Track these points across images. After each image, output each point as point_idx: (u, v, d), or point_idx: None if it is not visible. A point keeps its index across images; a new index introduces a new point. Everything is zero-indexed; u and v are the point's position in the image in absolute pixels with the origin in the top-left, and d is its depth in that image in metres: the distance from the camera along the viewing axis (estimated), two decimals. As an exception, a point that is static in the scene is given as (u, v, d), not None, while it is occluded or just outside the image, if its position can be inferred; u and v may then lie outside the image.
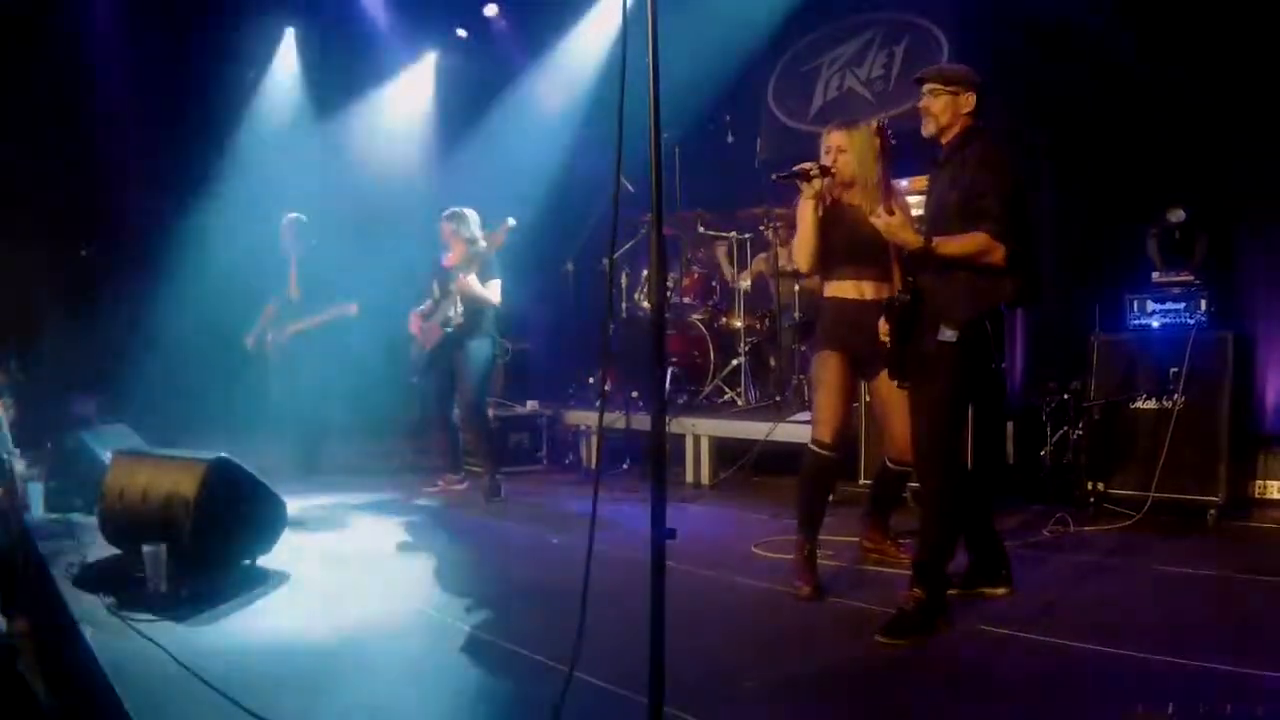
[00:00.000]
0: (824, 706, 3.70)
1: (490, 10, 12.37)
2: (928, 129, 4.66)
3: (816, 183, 5.11)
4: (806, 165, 5.15)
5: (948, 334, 4.39)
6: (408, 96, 13.08)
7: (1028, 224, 4.50)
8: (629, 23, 3.03)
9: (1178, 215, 6.77)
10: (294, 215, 9.31)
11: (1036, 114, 8.43)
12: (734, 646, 4.34)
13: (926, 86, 4.61)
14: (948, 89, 4.57)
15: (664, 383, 2.84)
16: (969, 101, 4.58)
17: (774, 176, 5.43)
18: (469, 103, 12.62)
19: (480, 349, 8.04)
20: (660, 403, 2.95)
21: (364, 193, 11.85)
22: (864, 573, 5.42)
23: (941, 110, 4.59)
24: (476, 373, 8.05)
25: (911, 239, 4.38)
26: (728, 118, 10.14)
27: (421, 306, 8.35)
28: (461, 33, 12.87)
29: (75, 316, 10.81)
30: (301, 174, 11.49)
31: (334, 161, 12.13)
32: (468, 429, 8.28)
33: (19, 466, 7.25)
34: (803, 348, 8.83)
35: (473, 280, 7.89)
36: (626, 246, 9.69)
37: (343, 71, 12.46)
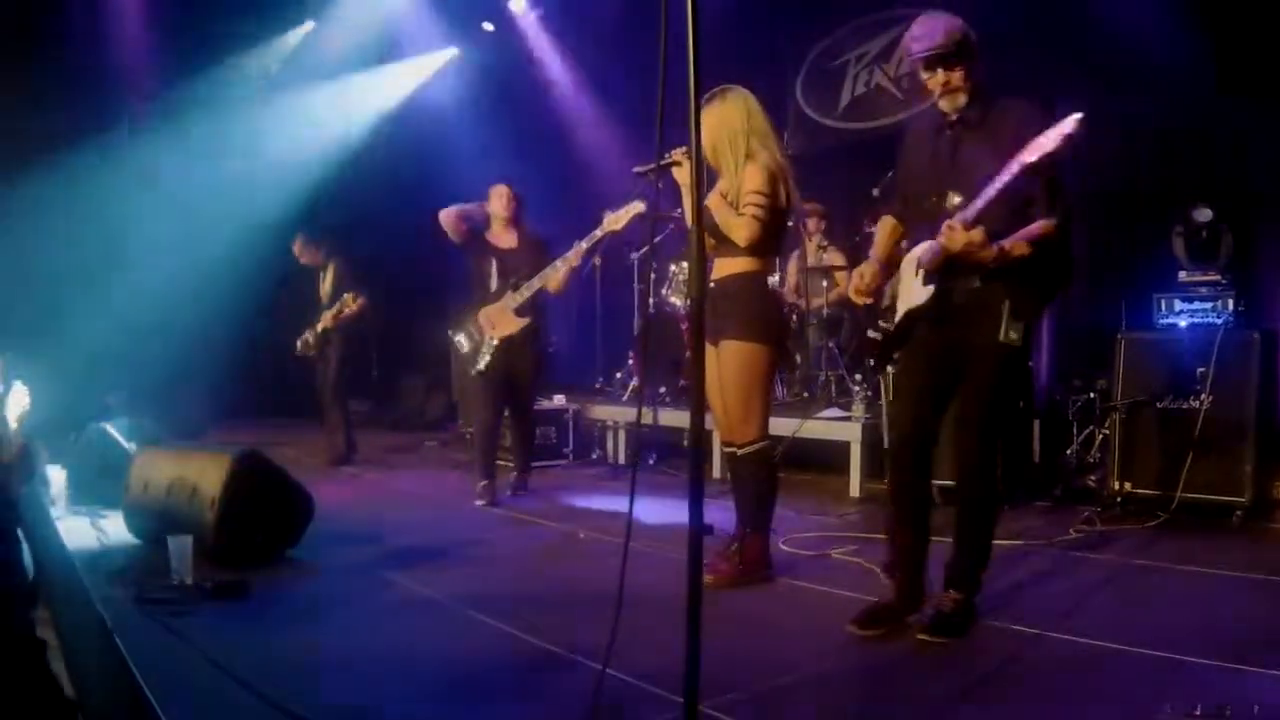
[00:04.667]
0: (857, 702, 3.73)
1: (516, 6, 12.43)
2: (956, 102, 4.25)
3: (679, 172, 5.08)
4: (673, 154, 4.97)
5: (1013, 335, 4.14)
6: (430, 85, 13.20)
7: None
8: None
9: (1204, 214, 6.74)
10: (302, 236, 9.78)
11: (1061, 110, 8.41)
12: (766, 642, 4.37)
13: (941, 59, 4.17)
14: (963, 60, 4.18)
15: (703, 374, 2.82)
16: (977, 60, 4.24)
17: (634, 170, 5.38)
18: (492, 93, 12.68)
19: (539, 341, 7.78)
20: (699, 395, 2.90)
21: (384, 181, 11.95)
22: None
23: (963, 81, 4.21)
24: (536, 365, 7.77)
25: (990, 256, 4.02)
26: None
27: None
28: (488, 26, 12.93)
29: (100, 310, 10.89)
30: (318, 168, 11.64)
31: (354, 149, 12.27)
32: (524, 423, 8.01)
33: (42, 455, 7.30)
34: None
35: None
36: (656, 240, 9.72)
37: (362, 61, 12.62)
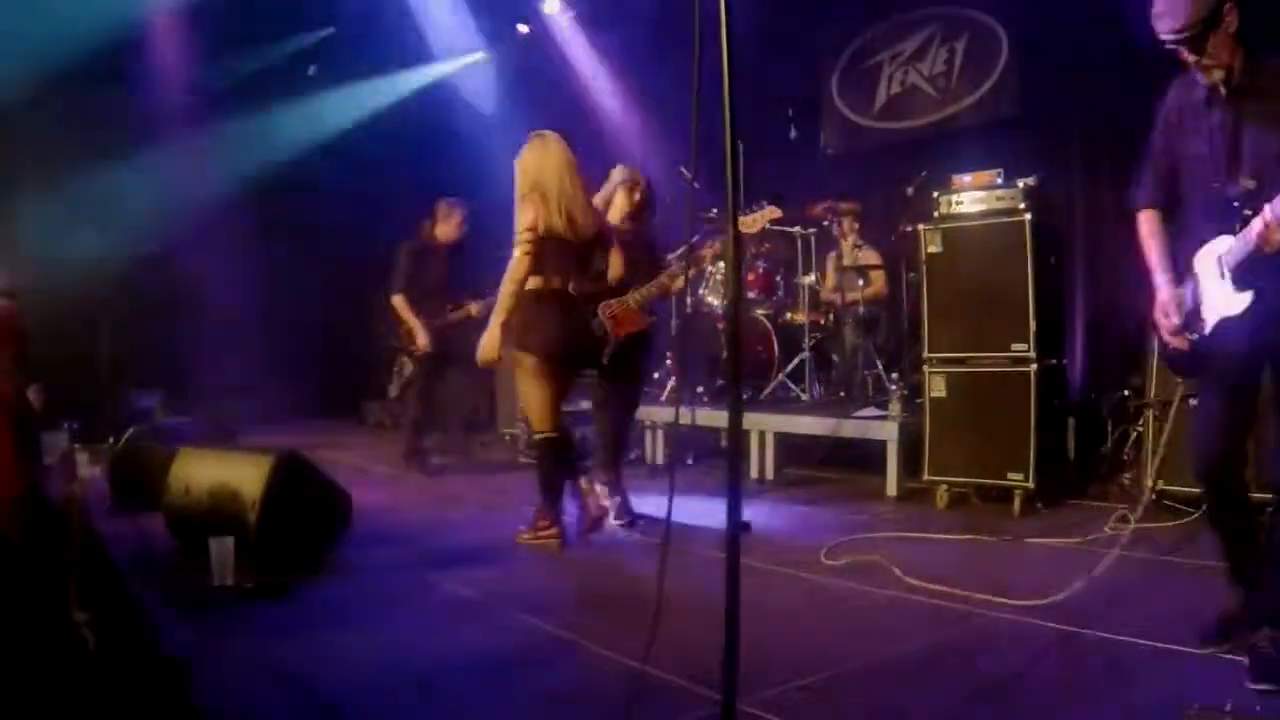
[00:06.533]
0: (896, 702, 3.75)
1: (550, 7, 12.48)
2: (1214, 77, 3.64)
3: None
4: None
5: None
6: (467, 87, 13.31)
7: None
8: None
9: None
10: (454, 203, 9.16)
11: (1098, 109, 8.40)
12: (803, 640, 4.40)
13: (1188, 41, 3.55)
14: (1223, 22, 3.53)
15: (739, 375, 2.88)
16: (1234, 14, 3.55)
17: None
18: (528, 94, 12.74)
19: (651, 340, 7.21)
20: (737, 394, 2.94)
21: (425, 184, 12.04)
22: (934, 570, 5.41)
23: (1222, 47, 3.57)
24: (648, 365, 7.42)
25: None
26: (790, 111, 10.15)
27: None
28: (523, 28, 12.99)
29: (140, 312, 11.00)
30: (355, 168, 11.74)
31: (392, 150, 12.37)
32: (630, 424, 7.57)
33: (81, 459, 7.37)
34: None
35: None
36: (694, 239, 9.72)
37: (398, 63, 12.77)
